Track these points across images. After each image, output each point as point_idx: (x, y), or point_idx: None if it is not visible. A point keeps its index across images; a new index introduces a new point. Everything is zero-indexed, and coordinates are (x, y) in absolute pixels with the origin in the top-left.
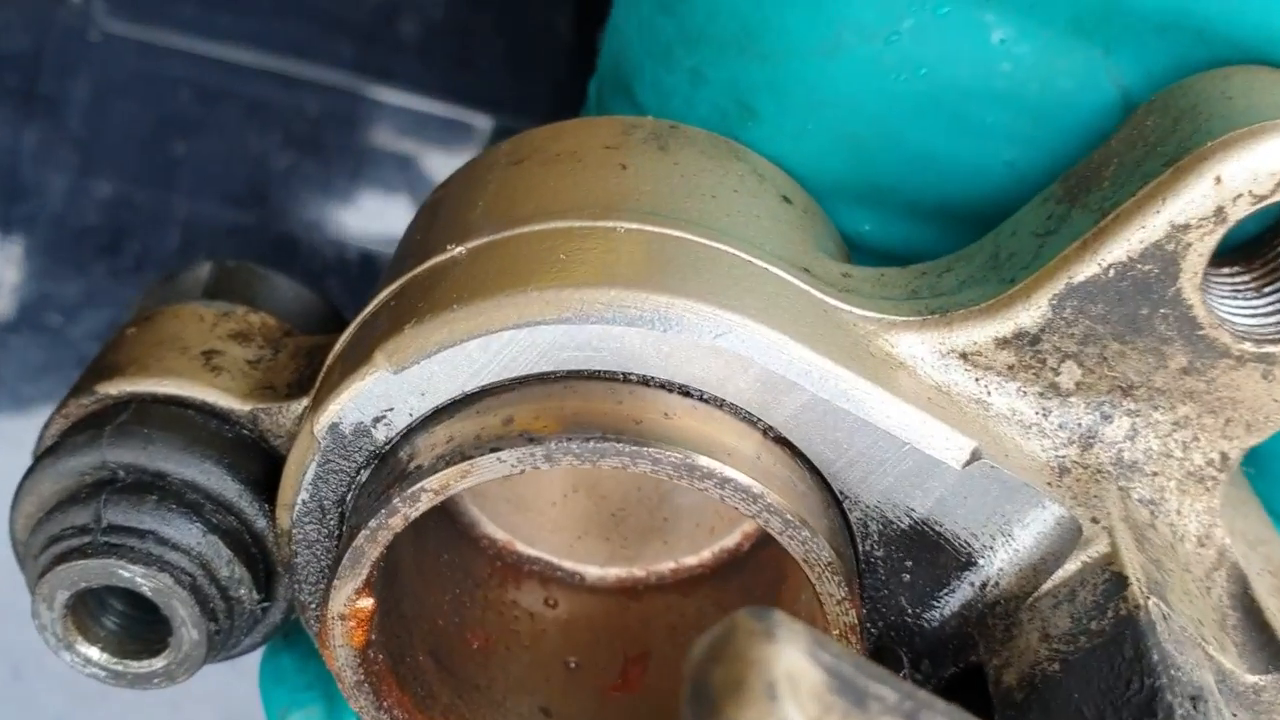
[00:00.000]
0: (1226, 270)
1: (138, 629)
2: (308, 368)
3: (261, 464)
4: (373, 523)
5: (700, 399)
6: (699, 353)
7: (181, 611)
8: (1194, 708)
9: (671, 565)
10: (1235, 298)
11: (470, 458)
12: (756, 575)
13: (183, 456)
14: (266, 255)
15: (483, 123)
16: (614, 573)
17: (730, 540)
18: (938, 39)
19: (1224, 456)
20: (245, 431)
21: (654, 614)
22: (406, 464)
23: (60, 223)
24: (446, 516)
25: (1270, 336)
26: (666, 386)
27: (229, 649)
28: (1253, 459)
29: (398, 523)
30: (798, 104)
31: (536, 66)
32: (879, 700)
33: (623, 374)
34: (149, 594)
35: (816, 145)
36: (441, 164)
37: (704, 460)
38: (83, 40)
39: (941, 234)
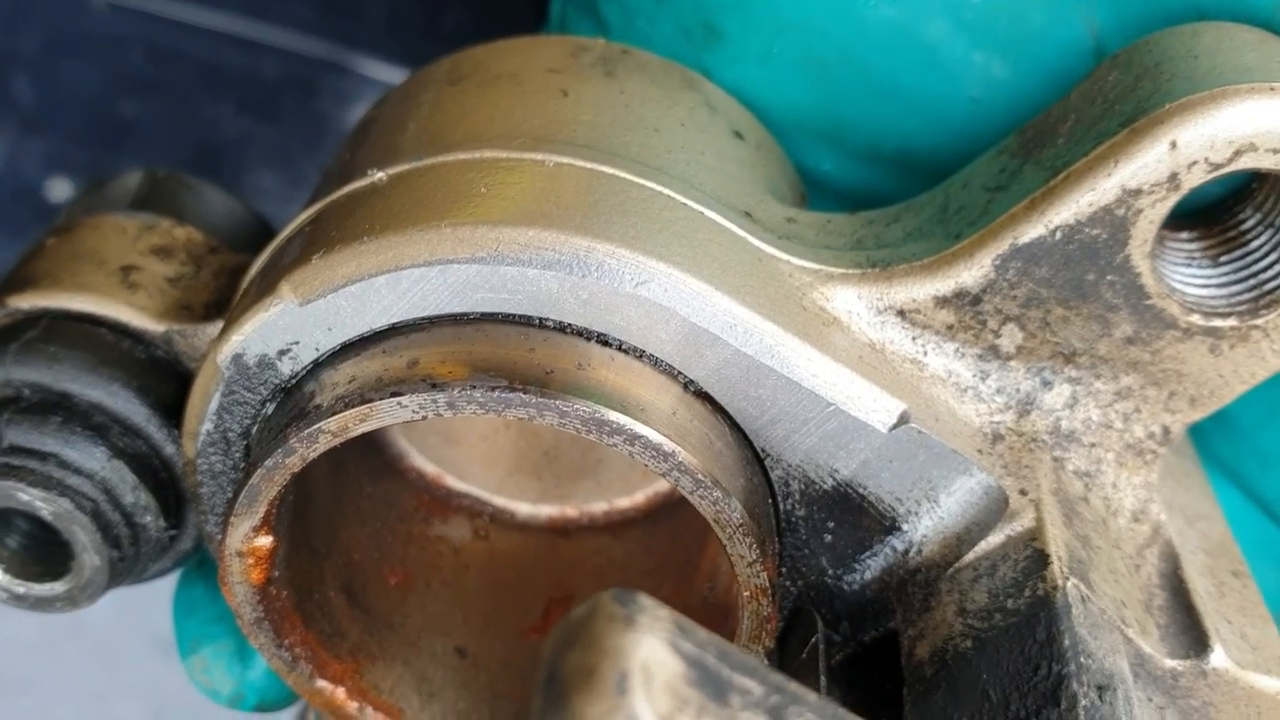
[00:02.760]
0: (1184, 235)
1: (41, 550)
2: (229, 288)
3: (174, 387)
4: (269, 462)
5: (619, 349)
6: (619, 300)
7: (83, 537)
8: (1099, 698)
9: (604, 506)
10: (1189, 265)
11: (370, 401)
12: (686, 522)
13: (90, 377)
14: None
15: None
16: (545, 511)
17: (663, 484)
18: None
19: (1166, 430)
20: (159, 353)
21: (582, 555)
22: (307, 402)
23: None
24: (373, 447)
25: (1220, 310)
26: (584, 334)
27: (135, 575)
28: (1217, 416)
29: (295, 463)
30: (763, 26)
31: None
32: (743, 694)
33: (539, 319)
34: (49, 519)
35: (780, 71)
36: None
37: (613, 415)
38: None
39: (900, 179)
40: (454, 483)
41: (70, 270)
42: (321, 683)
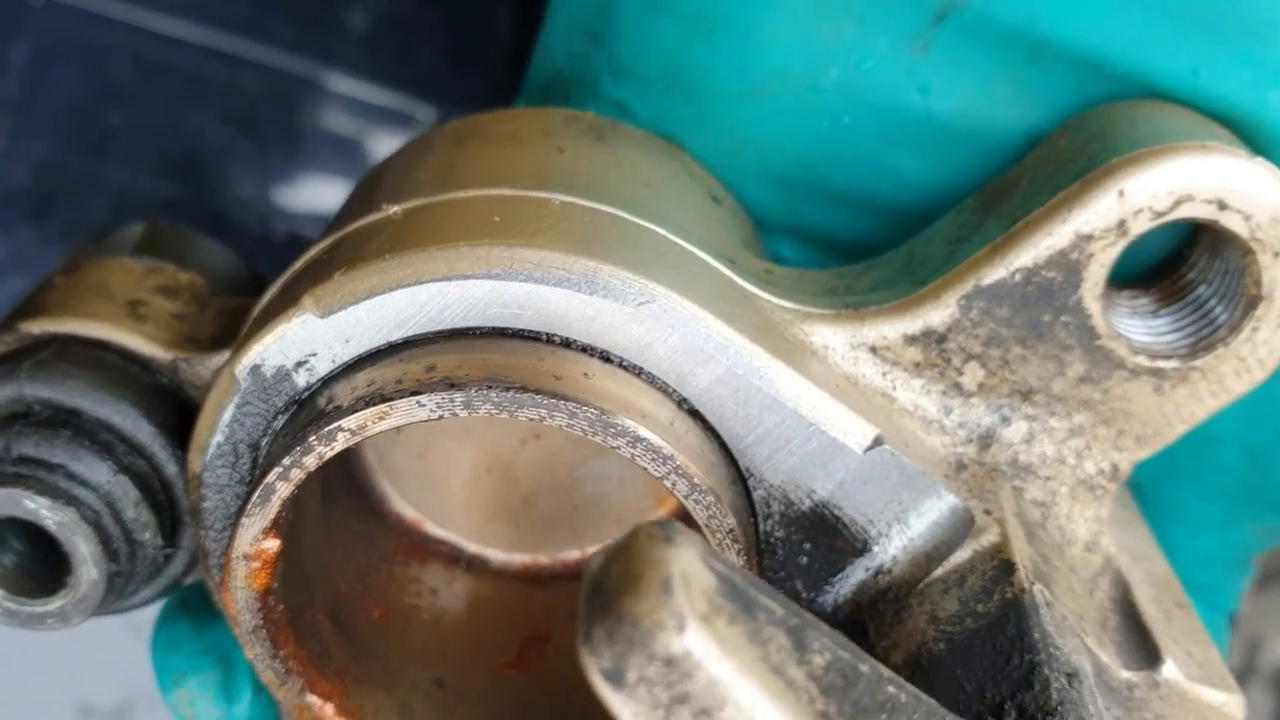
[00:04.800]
0: (1128, 293)
1: (35, 568)
2: (231, 325)
3: (177, 412)
4: (286, 460)
5: (620, 365)
6: (621, 319)
7: (83, 549)
8: (1069, 683)
9: (577, 554)
10: (1133, 316)
11: (389, 399)
12: None
13: (99, 395)
14: (198, 231)
15: (423, 113)
16: (519, 559)
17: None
18: (861, 91)
19: (1115, 467)
20: (164, 380)
21: (556, 601)
22: (325, 406)
23: None
24: (358, 489)
25: (1163, 353)
26: (588, 350)
27: (126, 596)
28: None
29: (312, 461)
30: (722, 142)
31: (476, 62)
32: (768, 612)
33: (546, 335)
34: (52, 528)
35: (740, 178)
36: (379, 150)
37: (619, 418)
38: (23, 4)
39: (859, 260)
40: (432, 529)
41: (80, 301)
42: (312, 698)
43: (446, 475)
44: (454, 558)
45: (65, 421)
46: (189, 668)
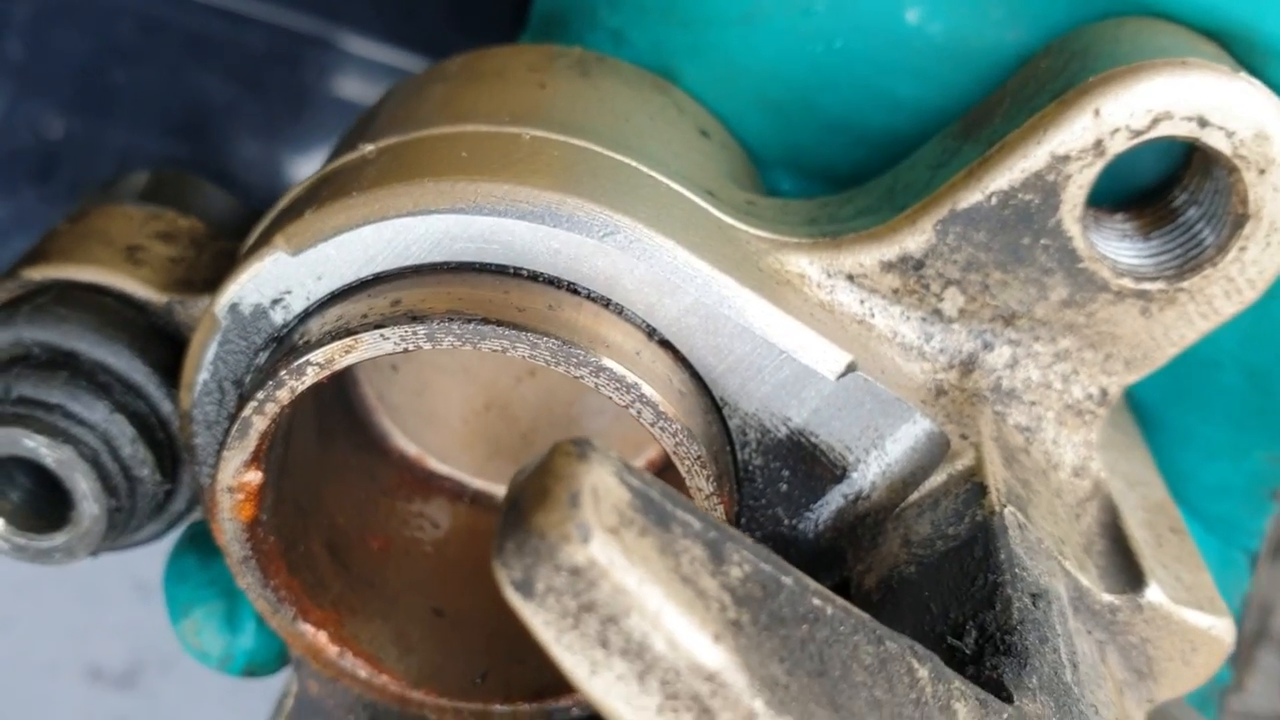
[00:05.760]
0: (1119, 216)
1: (40, 505)
2: (227, 268)
3: (173, 353)
4: (260, 394)
5: (588, 297)
6: (587, 250)
7: (83, 485)
8: (1033, 604)
9: None
10: (1121, 239)
11: (354, 333)
12: None
13: (95, 337)
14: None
15: None
16: None
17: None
18: (852, 14)
19: (1103, 392)
20: (159, 322)
21: None
22: (298, 342)
23: None
24: (358, 425)
25: (1149, 274)
26: (555, 283)
27: (130, 531)
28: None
29: (284, 395)
30: (717, 70)
31: (483, 20)
32: (684, 525)
33: (512, 268)
34: (51, 465)
35: (735, 109)
36: None
37: (579, 349)
38: None
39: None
40: (435, 465)
41: (80, 247)
42: (305, 626)
43: (446, 413)
44: (458, 493)
45: (63, 363)
46: (195, 599)
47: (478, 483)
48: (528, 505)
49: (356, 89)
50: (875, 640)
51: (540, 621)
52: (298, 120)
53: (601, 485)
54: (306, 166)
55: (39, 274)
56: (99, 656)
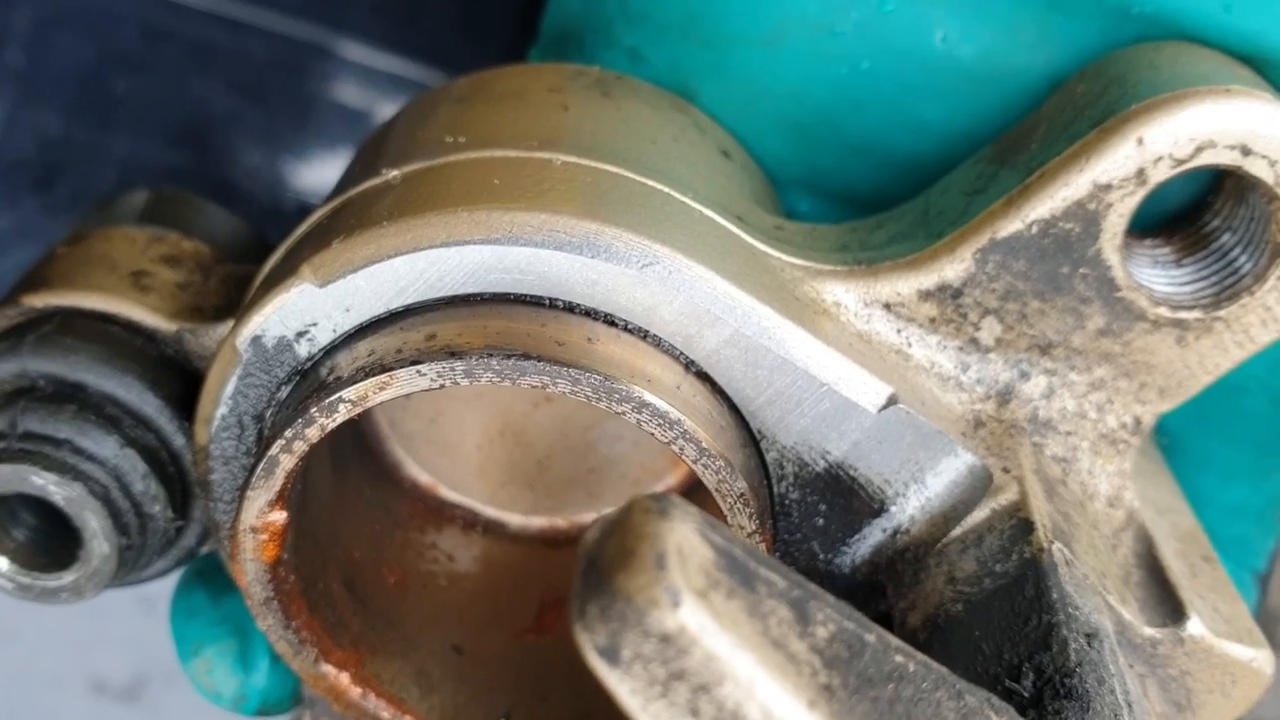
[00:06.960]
0: (1150, 242)
1: (47, 542)
2: (236, 294)
3: (183, 384)
4: (288, 432)
5: (625, 329)
6: (625, 282)
7: (93, 523)
8: (1088, 644)
9: (594, 516)
10: (1155, 267)
11: (389, 369)
12: None
13: (104, 369)
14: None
15: (434, 80)
16: (536, 522)
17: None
18: (880, 35)
19: (1137, 420)
20: (169, 351)
21: (574, 564)
22: (326, 377)
23: None
24: (370, 455)
25: (1185, 303)
26: (592, 314)
27: (139, 568)
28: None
29: (314, 433)
30: (738, 90)
31: (487, 29)
32: (769, 584)
33: (548, 299)
34: (61, 503)
35: (755, 129)
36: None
37: (622, 383)
38: None
39: (876, 213)
40: (447, 493)
41: (82, 273)
42: (326, 667)
43: (460, 440)
44: (470, 522)
45: (70, 396)
46: (206, 637)
47: (489, 511)
48: (610, 566)
49: (359, 97)
50: (955, 695)
51: (626, 690)
52: (300, 128)
53: (686, 545)
54: (309, 175)
55: (40, 301)
56: (103, 669)
